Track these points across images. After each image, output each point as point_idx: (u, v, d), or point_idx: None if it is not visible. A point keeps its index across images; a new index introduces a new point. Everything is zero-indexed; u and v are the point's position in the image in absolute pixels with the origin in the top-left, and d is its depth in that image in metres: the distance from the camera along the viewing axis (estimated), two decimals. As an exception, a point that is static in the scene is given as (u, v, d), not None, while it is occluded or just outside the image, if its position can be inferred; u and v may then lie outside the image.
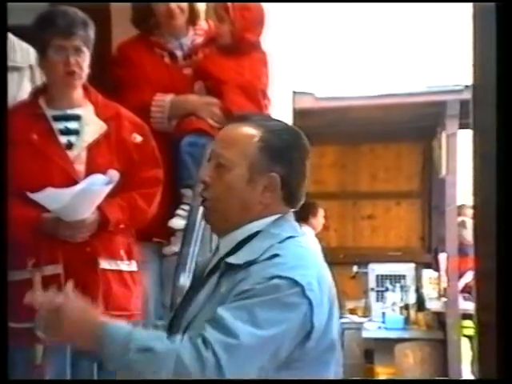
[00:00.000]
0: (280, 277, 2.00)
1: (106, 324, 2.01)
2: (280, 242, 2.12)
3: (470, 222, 8.07)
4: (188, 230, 3.77)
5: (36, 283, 3.27)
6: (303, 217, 7.58)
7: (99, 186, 3.30)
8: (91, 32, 3.44)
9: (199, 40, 4.34)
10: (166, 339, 1.99)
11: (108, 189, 3.32)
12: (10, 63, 3.75)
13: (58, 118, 3.45)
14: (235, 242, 2.17)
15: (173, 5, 4.15)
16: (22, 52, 3.64)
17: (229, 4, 4.17)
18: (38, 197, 3.25)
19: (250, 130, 2.19)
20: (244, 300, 1.99)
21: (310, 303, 2.01)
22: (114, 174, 3.34)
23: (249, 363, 1.95)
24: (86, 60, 3.42)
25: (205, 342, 1.92)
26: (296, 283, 2.00)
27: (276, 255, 2.06)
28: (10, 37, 3.80)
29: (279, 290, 1.99)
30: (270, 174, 2.15)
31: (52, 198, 3.25)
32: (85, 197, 3.28)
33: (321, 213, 7.15)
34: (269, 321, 1.96)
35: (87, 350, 2.09)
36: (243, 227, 2.18)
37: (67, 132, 3.44)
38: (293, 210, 2.26)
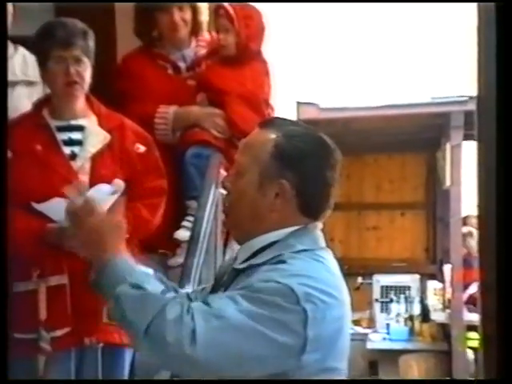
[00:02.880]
0: (276, 281, 1.94)
1: (119, 251, 2.09)
2: (292, 253, 2.05)
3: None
4: (193, 242, 3.76)
5: (41, 294, 3.31)
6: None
7: (105, 195, 3.30)
8: (91, 42, 3.45)
9: (202, 51, 4.35)
10: (160, 286, 2.02)
11: (114, 198, 3.31)
12: (22, 77, 3.78)
13: (61, 129, 3.45)
14: (251, 251, 2.12)
15: (176, 17, 4.17)
16: (34, 66, 3.64)
17: (232, 14, 4.17)
18: (42, 207, 3.25)
19: (267, 135, 2.13)
20: (236, 291, 1.97)
21: (305, 314, 1.93)
22: (120, 184, 3.34)
23: (225, 343, 1.89)
24: (86, 70, 3.43)
25: (189, 308, 1.90)
26: (292, 291, 1.93)
27: (282, 261, 2.01)
28: (22, 50, 3.82)
29: (272, 293, 1.93)
30: (280, 180, 2.09)
31: (56, 208, 3.24)
32: None
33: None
34: (254, 313, 1.91)
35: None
36: (260, 237, 2.12)
37: (71, 143, 3.44)
38: (316, 221, 2.17)
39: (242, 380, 1.93)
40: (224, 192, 2.30)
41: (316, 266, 2.06)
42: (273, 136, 2.12)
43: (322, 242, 2.17)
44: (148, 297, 1.94)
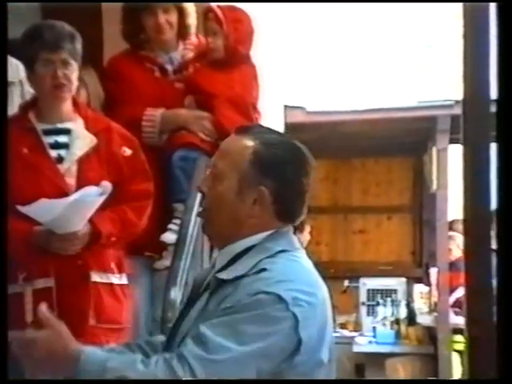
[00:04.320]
0: (264, 292, 1.97)
1: (81, 351, 1.98)
2: (270, 256, 2.08)
3: (459, 237, 8.09)
4: (179, 245, 3.77)
5: (27, 297, 3.31)
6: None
7: (93, 197, 3.30)
8: (78, 45, 3.45)
9: (190, 54, 4.35)
10: (141, 364, 1.96)
11: (101, 200, 3.32)
12: None
13: (47, 132, 3.45)
14: (229, 256, 2.15)
15: (161, 19, 4.17)
16: (11, 67, 3.64)
17: (221, 17, 4.18)
18: (28, 210, 3.24)
19: (246, 142, 2.16)
20: (227, 316, 1.97)
21: (296, 318, 1.97)
22: (107, 186, 3.34)
23: (229, 377, 1.92)
24: (74, 73, 3.43)
25: (180, 358, 1.91)
26: (280, 298, 1.97)
27: (263, 269, 2.03)
28: None
29: (263, 305, 1.96)
30: (259, 187, 2.11)
31: (43, 210, 3.24)
32: (78, 208, 3.28)
33: (307, 229, 7.14)
34: (251, 336, 1.94)
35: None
36: (238, 242, 2.15)
37: (57, 146, 3.44)
38: (291, 225, 2.22)
39: (242, 380, 1.94)
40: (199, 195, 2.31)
41: (295, 267, 2.10)
42: (251, 143, 2.15)
43: (297, 243, 2.22)
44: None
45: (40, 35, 3.41)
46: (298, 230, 7.91)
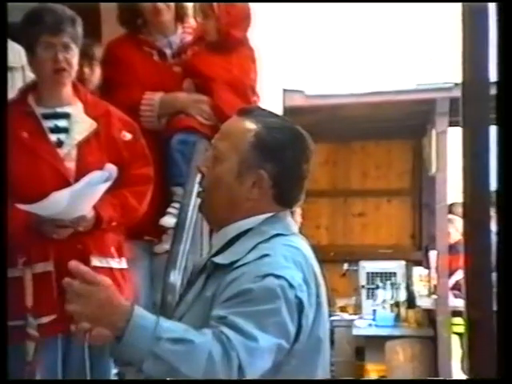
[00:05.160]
0: (274, 275, 1.96)
1: (134, 306, 1.90)
2: (265, 240, 2.08)
3: (458, 220, 8.10)
4: (179, 228, 3.77)
5: (27, 281, 3.31)
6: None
7: (99, 182, 3.29)
8: (79, 29, 3.43)
9: (188, 38, 4.34)
10: (193, 330, 1.90)
11: (108, 185, 3.30)
12: None
13: (47, 116, 3.44)
14: (225, 240, 2.15)
15: (159, 1, 4.15)
16: (13, 52, 3.63)
17: None
18: (34, 207, 3.23)
19: (247, 125, 2.15)
20: (248, 305, 1.94)
21: (301, 304, 1.98)
22: (112, 169, 3.33)
23: (262, 366, 1.92)
24: (74, 57, 3.41)
25: (229, 341, 1.86)
26: (290, 284, 1.96)
27: (266, 255, 2.02)
28: None
29: (277, 292, 1.94)
30: (258, 170, 2.11)
31: (49, 205, 3.23)
32: (85, 195, 3.27)
33: (298, 211, 7.13)
34: (274, 326, 1.93)
35: (109, 338, 1.92)
36: (233, 225, 2.15)
37: (57, 130, 3.43)
38: (288, 209, 2.21)
39: (242, 380, 1.93)
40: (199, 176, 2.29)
41: (293, 252, 2.08)
42: (253, 126, 2.14)
43: (294, 228, 2.21)
44: (196, 348, 1.85)
45: (41, 18, 3.39)
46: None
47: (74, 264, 1.91)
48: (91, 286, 1.89)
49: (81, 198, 3.26)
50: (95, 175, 3.29)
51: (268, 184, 2.12)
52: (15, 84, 3.65)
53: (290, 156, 2.13)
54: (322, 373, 2.13)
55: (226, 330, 1.87)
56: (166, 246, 3.93)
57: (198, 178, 3.69)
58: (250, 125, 2.15)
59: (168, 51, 4.27)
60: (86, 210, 3.30)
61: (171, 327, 1.89)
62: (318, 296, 2.08)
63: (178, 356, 1.83)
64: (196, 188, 3.73)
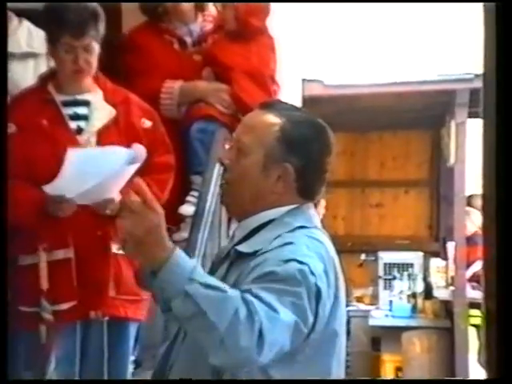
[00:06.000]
0: (297, 260, 1.97)
1: (175, 250, 1.89)
2: (289, 232, 2.10)
3: (474, 213, 8.09)
4: (197, 216, 3.77)
5: (42, 266, 3.32)
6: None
7: (122, 160, 3.23)
8: (102, 26, 3.38)
9: (208, 26, 4.34)
10: (223, 285, 1.92)
11: (136, 166, 3.25)
12: (27, 49, 3.76)
13: (67, 104, 3.44)
14: (248, 229, 2.16)
15: None
16: (38, 38, 3.62)
17: None
18: (51, 188, 3.22)
19: (272, 119, 2.17)
20: (271, 283, 1.94)
21: (320, 293, 1.99)
22: (141, 149, 3.28)
23: (280, 339, 1.91)
24: (95, 55, 3.39)
25: (253, 306, 1.87)
26: (311, 271, 1.97)
27: (289, 243, 2.04)
28: (26, 23, 3.80)
29: (299, 276, 1.95)
30: (284, 164, 2.13)
31: (68, 171, 3.19)
32: (111, 175, 3.21)
33: (323, 203, 7.15)
34: (294, 306, 1.93)
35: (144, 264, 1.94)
36: (257, 215, 2.17)
37: (77, 117, 3.43)
38: (310, 202, 2.22)
39: (242, 380, 1.96)
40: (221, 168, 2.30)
41: (313, 244, 2.09)
42: (277, 120, 2.16)
43: (317, 222, 2.23)
44: (227, 298, 1.87)
45: (62, 17, 3.33)
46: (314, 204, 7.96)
47: (138, 181, 1.92)
48: (148, 208, 1.88)
49: (109, 182, 3.23)
50: (119, 149, 3.25)
51: (292, 177, 2.14)
52: (39, 71, 3.64)
53: (315, 149, 2.16)
54: (337, 365, 2.13)
55: (250, 297, 1.88)
56: (185, 234, 3.94)
57: (219, 169, 3.73)
58: (275, 119, 2.16)
59: (188, 39, 4.28)
60: (114, 192, 3.29)
61: (207, 275, 1.92)
62: (336, 289, 2.09)
63: (209, 300, 1.84)
64: (215, 177, 3.74)
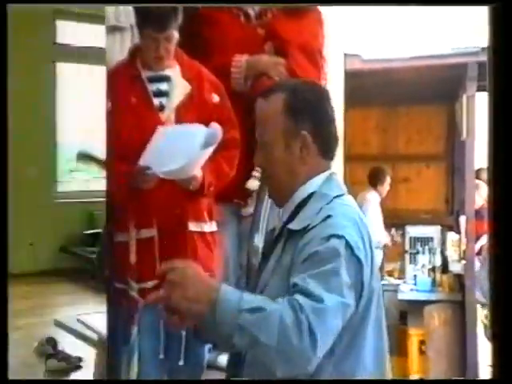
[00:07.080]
0: (336, 235, 2.02)
1: (220, 287, 1.94)
2: (328, 203, 2.15)
3: (482, 186, 8.13)
4: (261, 191, 3.77)
5: (132, 246, 3.32)
6: (372, 183, 7.88)
7: (202, 138, 3.23)
8: (180, 15, 3.41)
9: None
10: (269, 300, 1.95)
11: (215, 146, 3.26)
12: (113, 23, 3.73)
13: (151, 80, 3.43)
14: (293, 206, 2.20)
15: None
16: (125, 12, 3.60)
17: None
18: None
19: (274, 98, 2.20)
20: (316, 267, 1.99)
21: (360, 262, 2.04)
22: (218, 129, 3.29)
23: (331, 327, 1.95)
24: (174, 42, 3.41)
25: (300, 305, 1.91)
26: (349, 244, 2.02)
27: (329, 216, 2.08)
28: None
29: (339, 252, 2.00)
30: (301, 132, 2.18)
31: (156, 144, 3.19)
32: (199, 151, 3.24)
33: (388, 180, 7.20)
34: (338, 285, 1.97)
35: (197, 316, 1.93)
36: (298, 191, 2.21)
37: (159, 94, 3.42)
38: (331, 160, 2.28)
39: (242, 380, 2.01)
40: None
41: (349, 211, 2.16)
42: (279, 97, 2.20)
43: (344, 187, 2.30)
44: (268, 314, 1.90)
45: (145, 11, 3.36)
46: (380, 181, 8.06)
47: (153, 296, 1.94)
48: (178, 271, 1.92)
49: (197, 155, 3.23)
50: (202, 128, 3.24)
51: (311, 141, 2.19)
52: (125, 45, 3.61)
53: (321, 109, 2.23)
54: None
55: (297, 295, 1.92)
56: (251, 209, 3.94)
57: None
58: (276, 97, 2.20)
59: (252, 12, 4.24)
60: (197, 169, 3.28)
61: (251, 298, 1.95)
62: (371, 250, 2.14)
63: (256, 324, 1.88)
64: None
